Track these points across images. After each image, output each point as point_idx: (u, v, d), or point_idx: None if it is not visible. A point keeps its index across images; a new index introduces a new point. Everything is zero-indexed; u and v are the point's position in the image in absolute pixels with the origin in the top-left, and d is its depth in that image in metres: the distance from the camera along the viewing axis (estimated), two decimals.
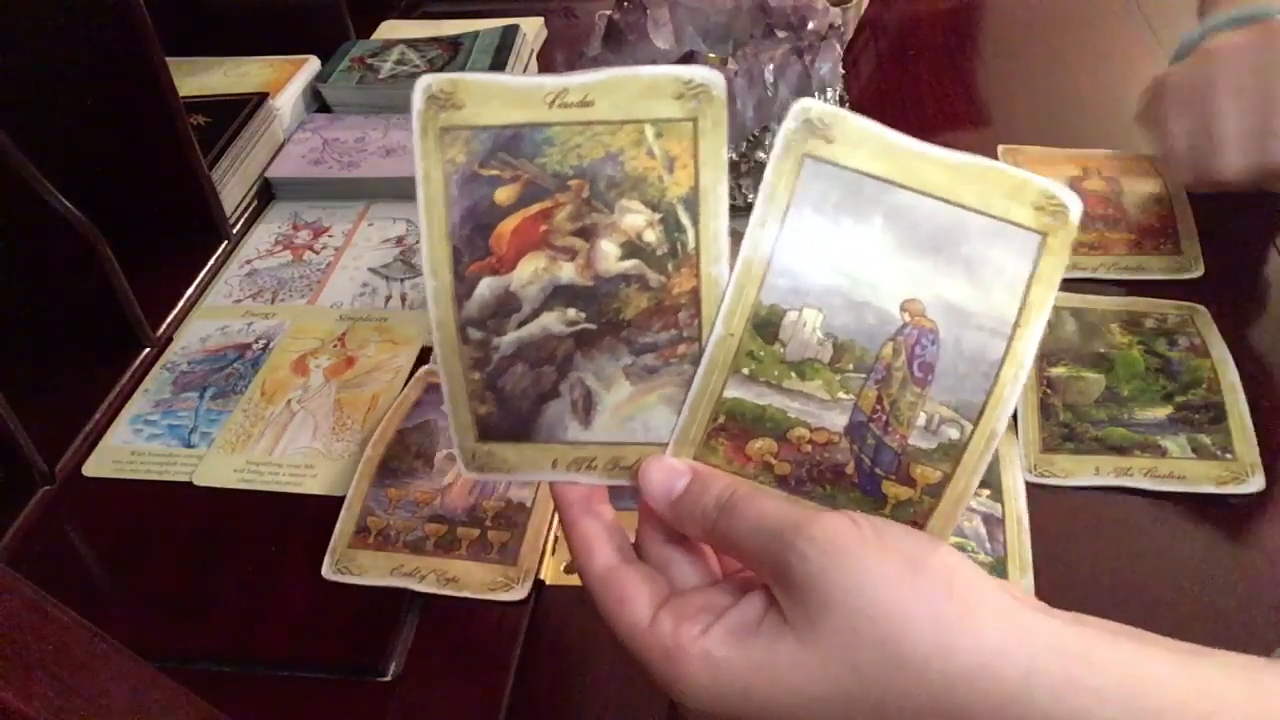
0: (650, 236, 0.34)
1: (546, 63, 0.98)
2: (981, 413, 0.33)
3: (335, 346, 0.67)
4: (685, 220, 0.34)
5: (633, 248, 0.34)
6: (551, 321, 0.35)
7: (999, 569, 0.49)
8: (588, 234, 0.34)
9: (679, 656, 0.31)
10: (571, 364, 0.35)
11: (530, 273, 0.34)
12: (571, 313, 0.34)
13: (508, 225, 0.34)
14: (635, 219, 0.34)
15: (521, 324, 0.35)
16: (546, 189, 0.34)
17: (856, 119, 0.33)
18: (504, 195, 0.34)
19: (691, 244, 0.34)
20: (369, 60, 0.92)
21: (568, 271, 0.34)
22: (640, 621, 0.33)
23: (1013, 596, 0.30)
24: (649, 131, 0.33)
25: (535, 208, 0.34)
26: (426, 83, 0.34)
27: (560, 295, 0.34)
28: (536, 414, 0.35)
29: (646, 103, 0.33)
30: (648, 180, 0.34)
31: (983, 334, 0.32)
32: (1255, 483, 0.52)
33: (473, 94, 0.34)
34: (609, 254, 0.34)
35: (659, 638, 0.32)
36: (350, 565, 0.53)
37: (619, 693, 0.46)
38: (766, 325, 0.33)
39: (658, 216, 0.34)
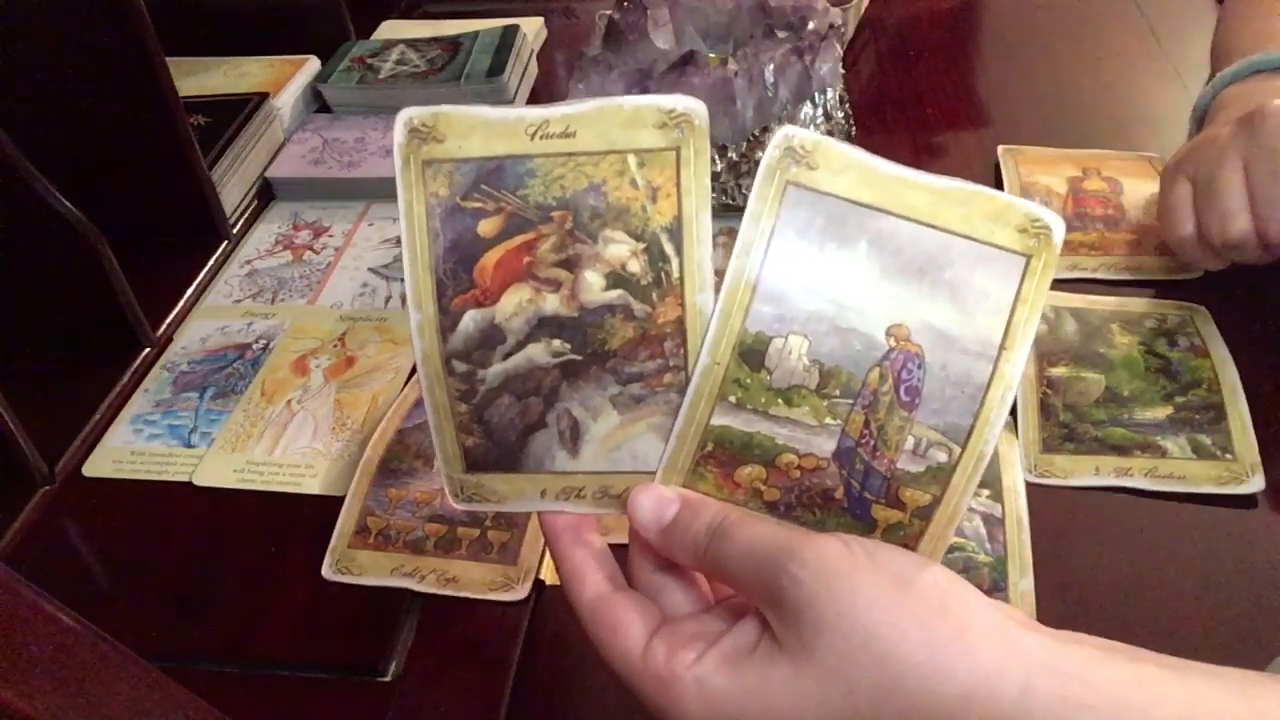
0: (634, 266, 0.34)
1: (546, 63, 0.98)
2: (969, 435, 0.33)
3: (335, 346, 0.67)
4: (669, 250, 0.34)
5: (617, 278, 0.34)
6: (537, 353, 0.35)
7: (999, 569, 0.49)
8: (571, 265, 0.34)
9: (673, 685, 0.31)
10: (558, 395, 0.35)
11: (514, 305, 0.34)
12: (557, 344, 0.35)
13: (491, 257, 0.34)
14: (619, 249, 0.34)
15: (507, 356, 0.35)
16: (530, 221, 0.34)
17: (838, 145, 0.33)
18: (487, 227, 0.34)
19: (676, 273, 0.34)
20: (369, 60, 0.92)
21: (552, 303, 0.34)
22: (633, 650, 0.33)
23: (1007, 615, 0.30)
24: (631, 161, 0.33)
25: (518, 239, 0.34)
26: (407, 116, 0.34)
27: (545, 326, 0.34)
28: (524, 445, 0.35)
29: (629, 133, 0.33)
30: (631, 210, 0.34)
31: (968, 357, 0.33)
32: (1255, 483, 0.52)
33: (454, 126, 0.34)
34: (593, 284, 0.34)
35: (652, 666, 0.32)
36: (350, 565, 0.53)
37: (619, 692, 0.46)
38: (752, 353, 0.33)
39: (641, 246, 0.34)
